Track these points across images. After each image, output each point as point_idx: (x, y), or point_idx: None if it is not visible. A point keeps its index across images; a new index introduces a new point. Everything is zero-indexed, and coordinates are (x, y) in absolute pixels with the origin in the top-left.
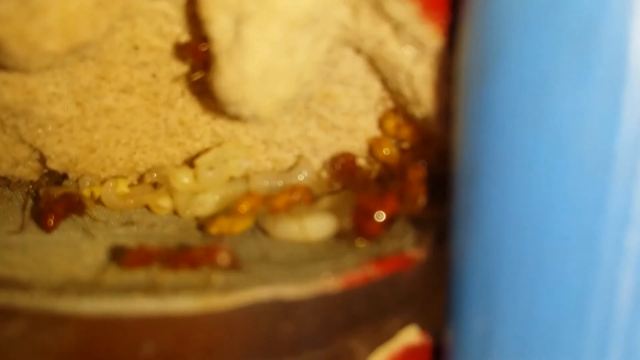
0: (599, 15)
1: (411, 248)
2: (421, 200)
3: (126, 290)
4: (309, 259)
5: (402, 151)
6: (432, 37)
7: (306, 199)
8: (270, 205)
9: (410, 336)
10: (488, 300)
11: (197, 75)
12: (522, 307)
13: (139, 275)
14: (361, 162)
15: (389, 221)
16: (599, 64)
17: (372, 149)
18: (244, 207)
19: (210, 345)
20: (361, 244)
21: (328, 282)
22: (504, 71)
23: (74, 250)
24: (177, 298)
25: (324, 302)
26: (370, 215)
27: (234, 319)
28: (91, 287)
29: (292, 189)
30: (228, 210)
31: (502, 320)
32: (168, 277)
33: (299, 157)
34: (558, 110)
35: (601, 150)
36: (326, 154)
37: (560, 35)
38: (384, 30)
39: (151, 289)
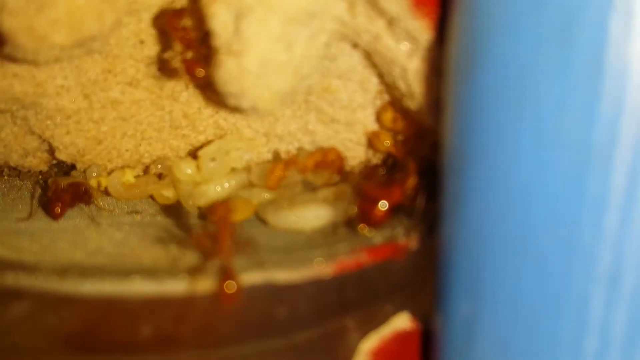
0: (579, 8)
1: (403, 237)
2: (419, 191)
3: (126, 273)
4: (303, 246)
5: (398, 143)
6: (423, 31)
7: (337, 161)
8: (301, 165)
9: (402, 322)
10: (473, 286)
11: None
12: (505, 292)
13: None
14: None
15: (392, 210)
16: (579, 55)
17: (372, 142)
18: (278, 171)
19: (206, 326)
20: (363, 230)
21: (321, 268)
22: (489, 64)
23: (79, 236)
24: (174, 280)
25: (316, 287)
26: (375, 203)
27: None
28: (93, 270)
29: (323, 150)
30: (262, 177)
31: (486, 305)
32: None
33: (299, 150)
34: (539, 100)
35: (580, 138)
36: (325, 146)
37: (541, 28)
38: (379, 25)
39: (149, 272)
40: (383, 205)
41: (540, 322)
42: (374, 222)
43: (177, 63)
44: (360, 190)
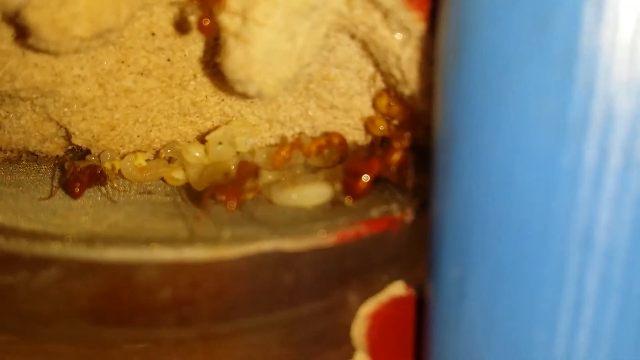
0: None
1: (398, 211)
2: (408, 169)
3: (146, 241)
4: (307, 220)
5: (393, 127)
6: (416, 22)
7: (341, 144)
8: (306, 149)
9: (397, 289)
10: (462, 251)
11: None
12: (491, 255)
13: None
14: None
15: (374, 181)
16: (554, 42)
17: (367, 126)
18: (284, 152)
19: (219, 291)
20: (349, 202)
21: (323, 238)
22: (474, 51)
23: (98, 213)
24: (190, 248)
25: (319, 255)
26: (357, 176)
27: (241, 268)
28: (116, 239)
29: (327, 136)
30: (266, 160)
31: (474, 267)
32: None
33: (300, 134)
34: (519, 83)
35: (556, 117)
36: (324, 131)
37: (520, 18)
38: (375, 16)
39: (168, 241)
40: (365, 178)
41: (522, 281)
42: (357, 194)
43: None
44: (344, 166)
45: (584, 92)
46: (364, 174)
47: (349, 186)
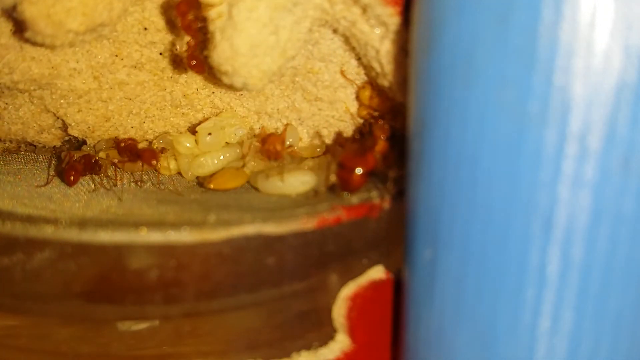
0: None
1: (377, 198)
2: (387, 155)
3: (135, 225)
4: (289, 206)
5: (374, 118)
6: (392, 16)
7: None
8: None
9: (377, 273)
10: (433, 233)
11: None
12: (459, 235)
13: (146, 211)
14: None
15: (368, 175)
16: (515, 35)
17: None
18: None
19: (205, 272)
20: (347, 195)
21: (304, 222)
22: (442, 44)
23: (92, 199)
24: (177, 231)
25: (300, 239)
26: (352, 171)
27: (225, 250)
28: (107, 222)
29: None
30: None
31: (443, 248)
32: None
33: (286, 125)
34: (483, 73)
35: (518, 104)
36: (310, 122)
37: (484, 11)
38: (355, 11)
39: (156, 224)
40: (359, 172)
41: (488, 261)
42: (353, 188)
43: (183, 54)
44: (338, 161)
45: (542, 82)
46: (359, 167)
47: (345, 180)
